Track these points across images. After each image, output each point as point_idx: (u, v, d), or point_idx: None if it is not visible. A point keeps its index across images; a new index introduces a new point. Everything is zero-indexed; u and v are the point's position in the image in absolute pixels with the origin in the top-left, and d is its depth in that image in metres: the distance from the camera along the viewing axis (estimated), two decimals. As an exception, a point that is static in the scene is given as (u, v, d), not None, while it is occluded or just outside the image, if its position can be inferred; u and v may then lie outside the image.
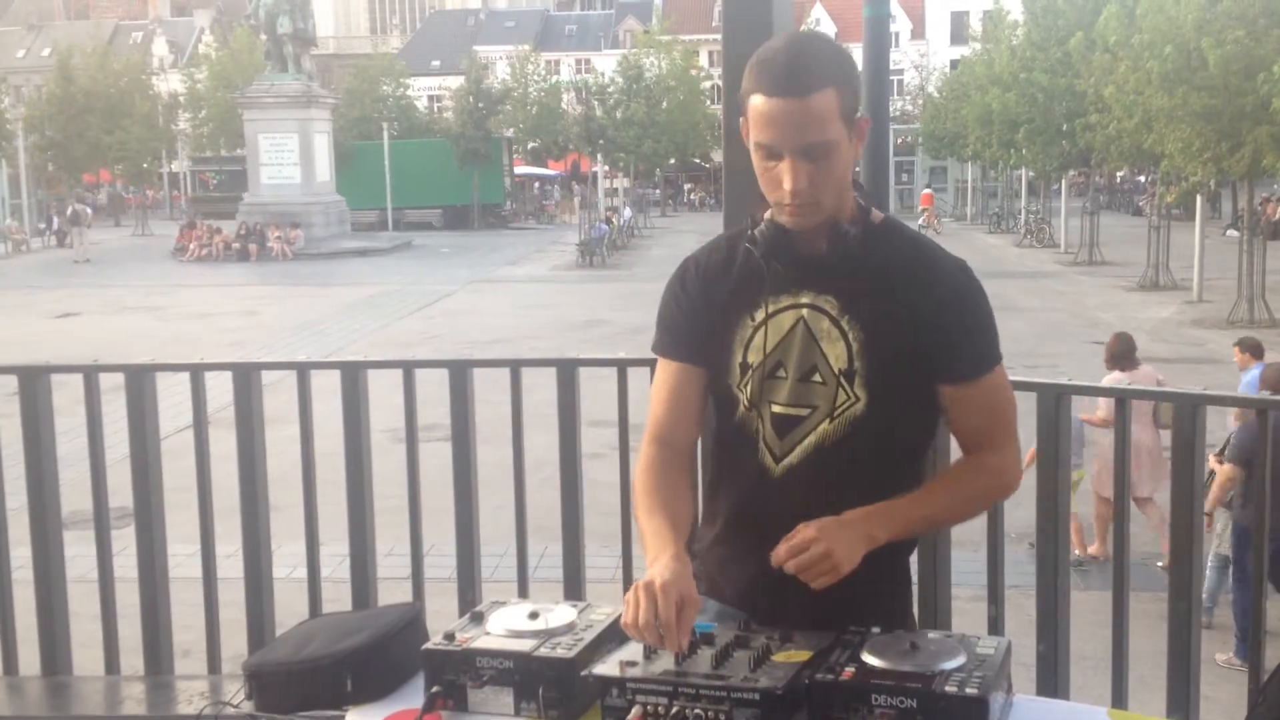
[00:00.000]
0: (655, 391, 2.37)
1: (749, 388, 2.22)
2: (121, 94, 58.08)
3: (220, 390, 4.13)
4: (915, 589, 3.04)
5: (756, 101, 2.07)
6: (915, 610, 2.56)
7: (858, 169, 2.31)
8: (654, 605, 1.95)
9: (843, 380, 2.15)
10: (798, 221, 2.14)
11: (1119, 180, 63.97)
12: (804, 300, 2.18)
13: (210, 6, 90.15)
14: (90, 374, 4.02)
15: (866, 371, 2.14)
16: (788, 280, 2.19)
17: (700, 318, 2.28)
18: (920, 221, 47.74)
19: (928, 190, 53.05)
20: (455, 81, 63.51)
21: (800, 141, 2.05)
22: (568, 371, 3.98)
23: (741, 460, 2.26)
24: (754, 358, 2.21)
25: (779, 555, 2.02)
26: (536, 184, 67.17)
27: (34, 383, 4.02)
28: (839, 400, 2.16)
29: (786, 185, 2.08)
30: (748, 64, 2.11)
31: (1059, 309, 23.57)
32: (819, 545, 1.99)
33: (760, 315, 2.20)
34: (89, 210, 46.05)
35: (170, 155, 65.34)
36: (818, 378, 2.17)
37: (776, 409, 2.20)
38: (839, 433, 2.17)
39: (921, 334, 2.13)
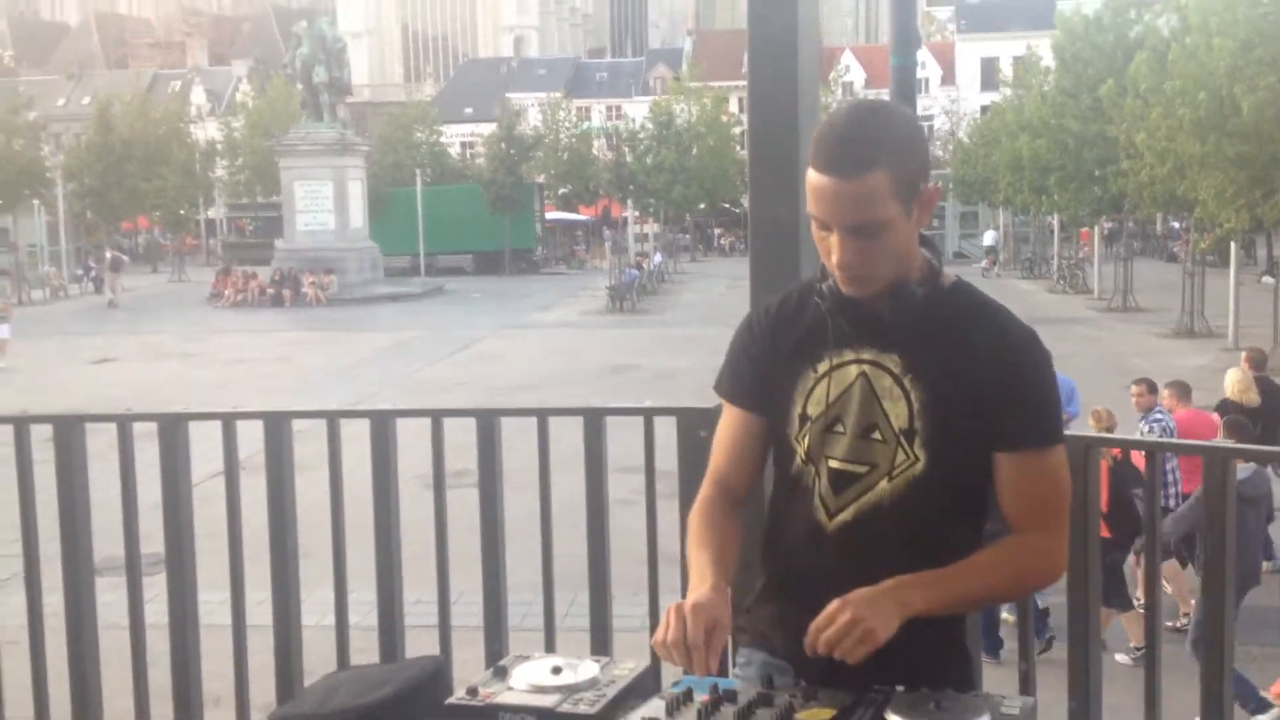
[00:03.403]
0: (718, 435, 2.39)
1: (806, 440, 2.22)
2: (160, 142, 58.96)
3: (252, 435, 4.16)
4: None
5: (811, 175, 2.08)
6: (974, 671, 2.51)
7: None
8: (684, 626, 1.99)
9: (903, 440, 2.15)
10: (851, 291, 2.15)
11: (1150, 226, 63.71)
12: (866, 356, 2.19)
13: (247, 56, 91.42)
14: (124, 423, 4.07)
15: (927, 432, 2.14)
16: (852, 335, 2.19)
17: (765, 366, 2.30)
18: (982, 265, 47.80)
19: (991, 234, 52.72)
20: (488, 128, 64.11)
21: (849, 220, 2.06)
22: (595, 421, 3.99)
23: (795, 514, 2.27)
24: (814, 410, 2.21)
25: (809, 641, 2.00)
26: (579, 232, 67.38)
27: (69, 432, 4.07)
28: (898, 460, 2.15)
29: (835, 259, 2.11)
30: (817, 129, 2.12)
31: (1092, 356, 23.38)
32: (845, 614, 1.97)
33: (823, 368, 2.21)
34: (125, 258, 46.66)
35: (207, 202, 66.12)
36: (877, 435, 2.17)
37: (834, 464, 2.20)
38: (896, 492, 2.16)
39: (983, 399, 2.12)
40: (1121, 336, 26.85)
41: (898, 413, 2.15)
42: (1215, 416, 9.80)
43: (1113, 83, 29.24)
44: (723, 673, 2.12)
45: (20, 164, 52.37)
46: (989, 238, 51.74)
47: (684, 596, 2.14)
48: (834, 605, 2.00)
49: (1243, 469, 6.47)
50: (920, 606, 2.05)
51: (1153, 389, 9.89)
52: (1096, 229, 40.16)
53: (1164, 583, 8.29)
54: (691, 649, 1.98)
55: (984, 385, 2.12)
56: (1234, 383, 10.46)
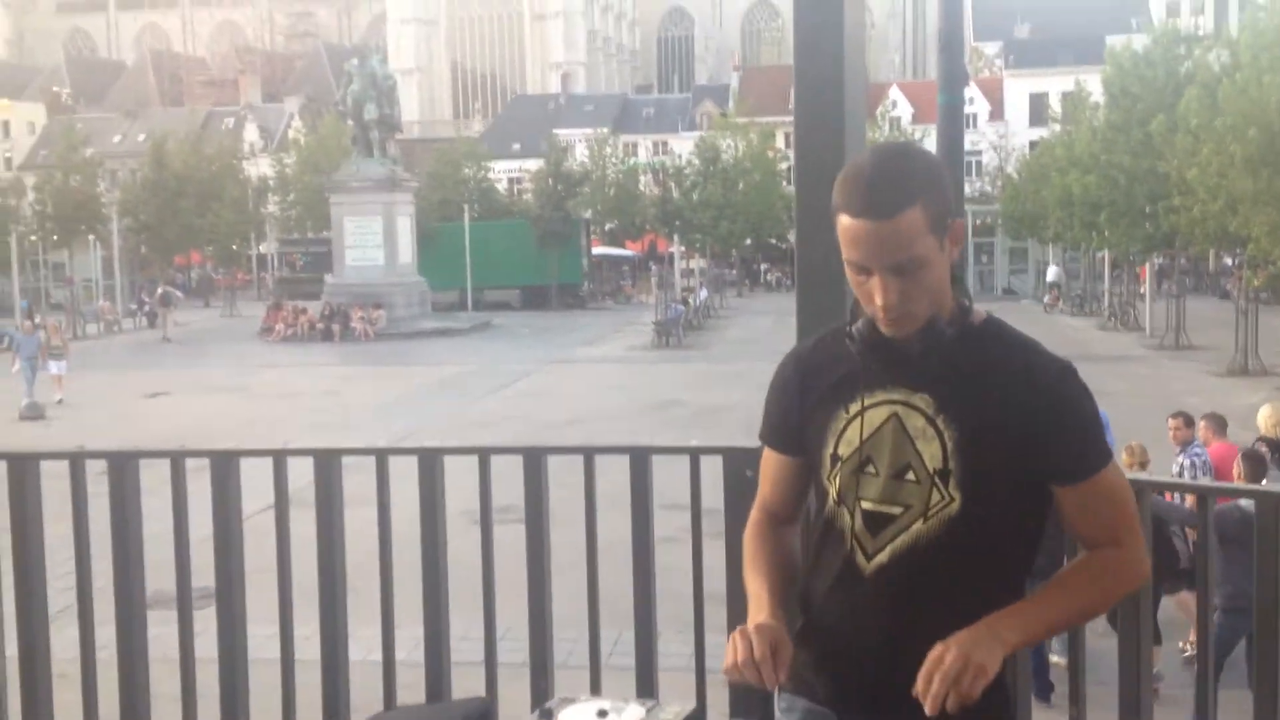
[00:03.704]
0: (762, 472, 2.47)
1: (838, 480, 2.23)
2: (213, 178, 59.86)
3: (302, 469, 4.21)
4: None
5: (845, 221, 2.10)
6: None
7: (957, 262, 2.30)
8: (749, 646, 2.11)
9: (937, 480, 2.15)
10: (893, 330, 2.17)
11: (1202, 263, 63.06)
12: (898, 397, 2.19)
13: (300, 93, 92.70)
14: (177, 459, 4.12)
15: (961, 472, 2.14)
16: (884, 376, 2.20)
17: (799, 409, 2.32)
18: (1045, 300, 47.44)
19: (1054, 270, 52.22)
20: (535, 164, 64.60)
21: (891, 260, 2.08)
22: (641, 459, 4.01)
23: (831, 556, 2.27)
24: (845, 450, 2.23)
25: (919, 690, 2.01)
26: (625, 267, 67.62)
27: (124, 467, 4.13)
28: (933, 500, 2.15)
29: (878, 301, 2.11)
30: (837, 178, 2.14)
31: (1144, 394, 23.11)
32: (951, 654, 1.99)
33: (854, 408, 2.22)
34: (178, 293, 47.32)
35: (259, 237, 66.95)
36: (911, 476, 2.17)
37: (867, 505, 2.21)
38: (932, 533, 2.16)
39: (1021, 437, 2.12)
40: (1174, 375, 26.52)
41: (931, 453, 2.15)
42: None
43: (1163, 118, 29.08)
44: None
45: (77, 200, 53.37)
46: (1052, 273, 51.24)
47: (731, 631, 2.20)
48: (937, 650, 2.01)
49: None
50: (1018, 638, 2.08)
51: (1189, 423, 9.80)
52: (1148, 265, 39.79)
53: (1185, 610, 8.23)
54: (760, 664, 2.09)
55: (1024, 422, 2.12)
56: (1265, 417, 10.35)
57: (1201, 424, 9.88)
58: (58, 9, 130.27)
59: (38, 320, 28.12)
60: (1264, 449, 9.16)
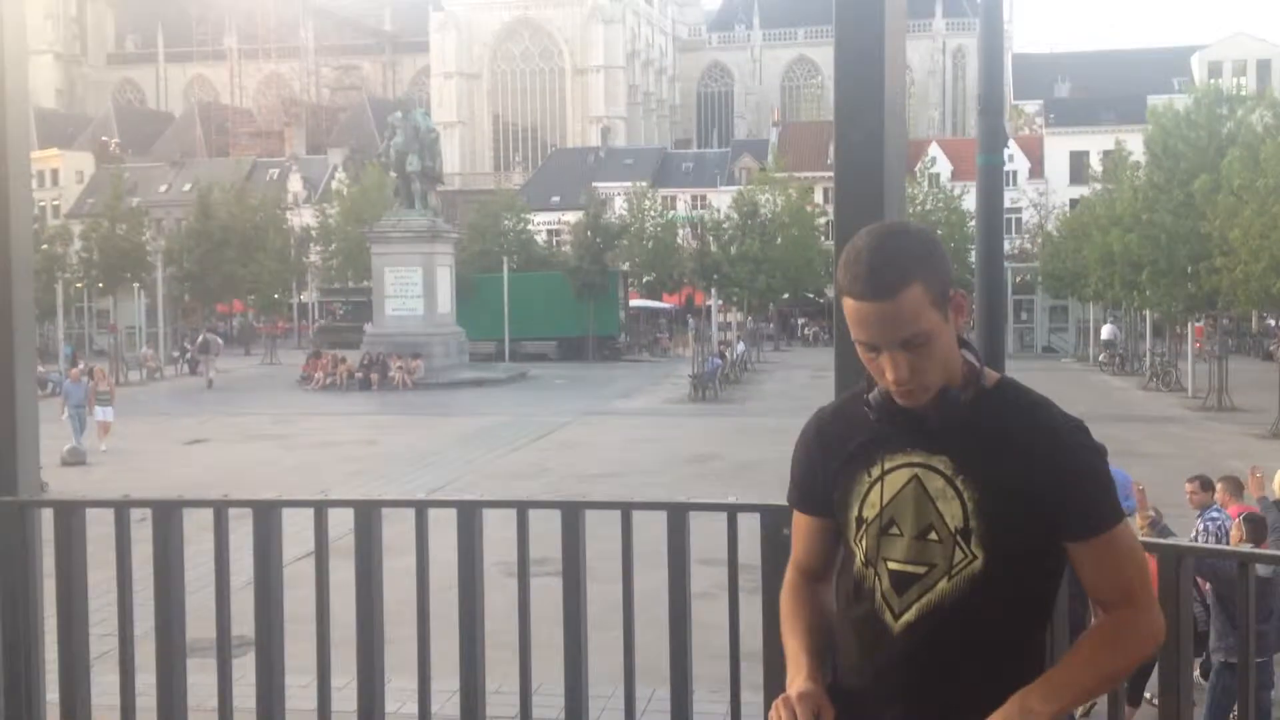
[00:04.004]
0: (794, 533, 2.53)
1: (864, 542, 2.30)
2: (257, 228, 60.58)
3: (342, 518, 4.25)
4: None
5: (849, 303, 2.18)
6: None
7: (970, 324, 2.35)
8: (793, 714, 2.17)
9: (959, 539, 2.20)
10: (908, 403, 2.23)
11: (1245, 323, 62.51)
12: (917, 460, 2.26)
13: (343, 145, 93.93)
14: (220, 508, 4.18)
15: (982, 530, 2.19)
16: (902, 439, 2.27)
17: (824, 473, 2.39)
18: (1101, 358, 46.75)
19: (1109, 328, 51.67)
20: (574, 216, 65.04)
21: (897, 336, 2.15)
22: (678, 516, 4.02)
23: (860, 616, 2.32)
24: (869, 513, 2.29)
25: None
26: (662, 319, 67.81)
27: (168, 516, 4.19)
28: (956, 559, 2.21)
29: (890, 376, 2.19)
30: (840, 259, 2.21)
31: (1187, 456, 22.83)
32: None
33: (876, 471, 2.29)
34: (219, 340, 47.75)
35: (300, 286, 67.61)
36: (934, 536, 2.23)
37: (894, 565, 2.26)
38: (957, 591, 2.21)
39: (1036, 494, 2.17)
40: (1217, 437, 26.21)
41: (952, 513, 2.21)
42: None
43: (1206, 178, 28.94)
44: None
45: (123, 248, 54.13)
46: (1106, 331, 50.65)
47: (768, 689, 2.25)
48: None
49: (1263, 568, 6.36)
50: (1048, 710, 2.11)
51: (1206, 486, 9.76)
52: (1203, 326, 39.38)
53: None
54: None
55: (1038, 480, 2.17)
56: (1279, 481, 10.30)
57: (1219, 486, 9.82)
58: (108, 61, 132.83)
59: (81, 366, 28.35)
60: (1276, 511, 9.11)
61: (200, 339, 44.97)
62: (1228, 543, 8.47)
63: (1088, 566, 2.23)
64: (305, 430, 28.05)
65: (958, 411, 2.22)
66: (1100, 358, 47.90)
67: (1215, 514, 9.42)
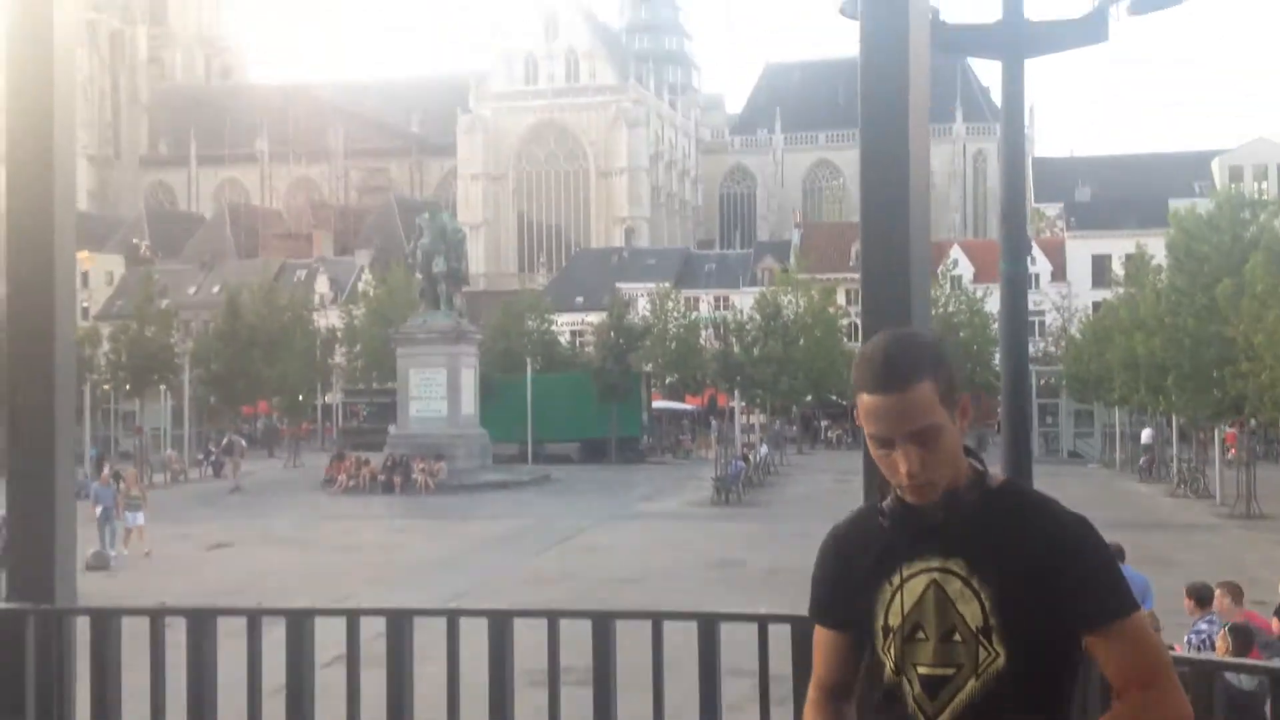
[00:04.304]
0: (816, 648, 2.57)
1: (893, 650, 2.37)
2: (283, 329, 61.04)
3: (373, 623, 4.25)
4: None
5: (864, 399, 2.33)
6: None
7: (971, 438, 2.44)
8: None
9: (981, 637, 2.31)
10: (918, 498, 2.34)
11: (1273, 429, 61.96)
12: (934, 565, 2.35)
13: (371, 246, 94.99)
14: (254, 617, 4.20)
15: (1002, 627, 2.29)
16: (918, 547, 2.37)
17: (846, 586, 2.47)
18: (1141, 462, 46.39)
19: (1148, 432, 51.25)
20: (597, 317, 65.43)
21: (907, 430, 2.29)
22: (709, 626, 4.02)
23: None
24: (894, 621, 2.38)
25: None
26: (685, 421, 67.78)
27: (202, 624, 4.21)
28: (981, 657, 2.30)
29: (902, 469, 2.31)
30: (856, 359, 2.37)
31: (1217, 565, 22.45)
32: None
33: (896, 580, 2.38)
34: (244, 442, 47.91)
35: (324, 388, 67.82)
36: (958, 637, 2.32)
37: (923, 670, 2.34)
38: (986, 688, 2.29)
39: (1050, 588, 2.28)
40: (1246, 545, 25.84)
41: (972, 612, 2.31)
42: (1276, 622, 9.52)
43: (1229, 282, 28.96)
44: None
45: (151, 350, 54.51)
46: (1146, 435, 50.20)
47: None
48: None
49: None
50: None
51: (1202, 600, 9.66)
52: (1218, 431, 39.08)
53: None
54: None
55: (1049, 575, 2.28)
56: None
57: (1218, 593, 9.75)
58: (141, 163, 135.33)
59: (106, 470, 28.35)
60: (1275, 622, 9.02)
61: (226, 441, 45.14)
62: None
63: (1106, 656, 2.30)
64: (328, 534, 28.02)
65: (965, 512, 2.33)
66: (1140, 461, 47.25)
67: (1203, 625, 9.36)
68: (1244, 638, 8.07)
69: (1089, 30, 4.15)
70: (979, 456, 2.42)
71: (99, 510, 23.79)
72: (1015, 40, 4.19)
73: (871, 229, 3.61)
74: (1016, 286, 5.00)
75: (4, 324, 3.97)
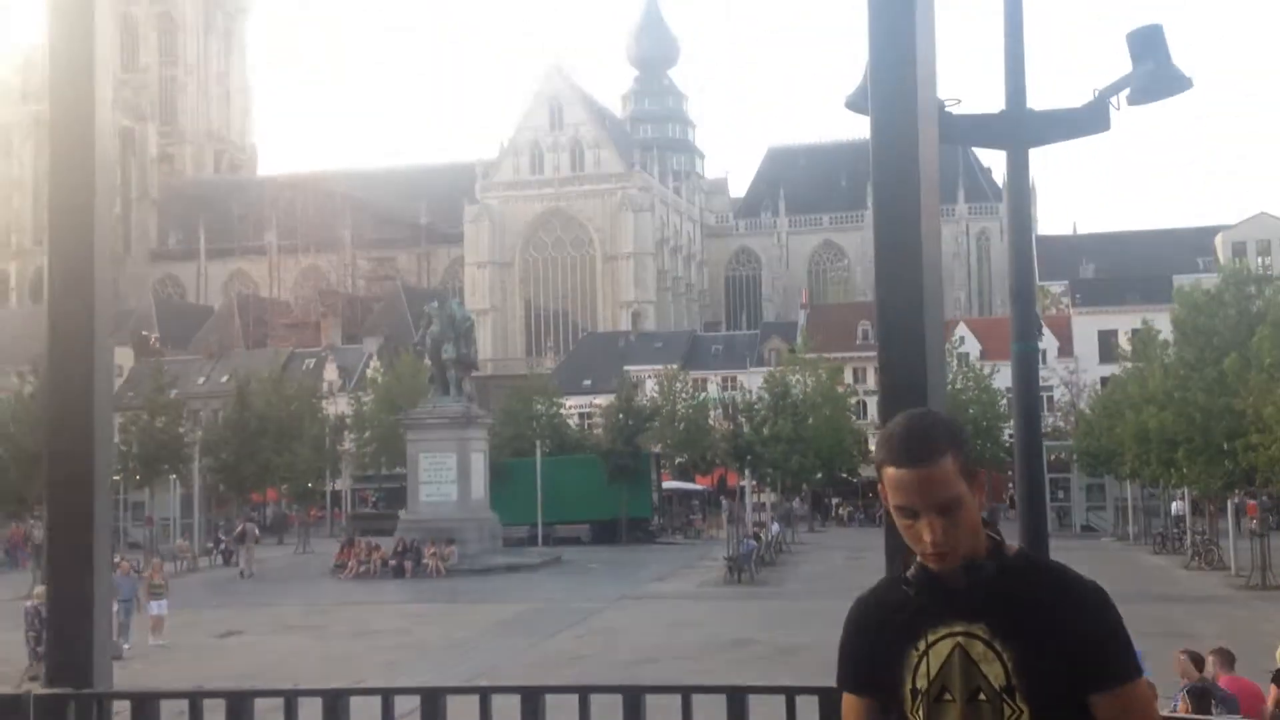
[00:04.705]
0: (845, 717, 2.67)
1: (921, 712, 2.50)
2: (292, 417, 61.19)
3: (406, 704, 4.32)
4: None
5: (890, 473, 2.49)
6: None
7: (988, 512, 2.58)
8: None
9: (1005, 696, 2.45)
10: (940, 566, 2.49)
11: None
12: (958, 629, 2.49)
13: (378, 333, 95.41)
14: (290, 698, 4.28)
15: (1024, 686, 2.43)
16: (942, 612, 2.51)
17: (873, 653, 2.59)
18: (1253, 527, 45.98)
19: (1178, 505, 50.78)
20: (606, 399, 65.58)
21: (931, 501, 2.45)
22: (737, 700, 4.09)
23: None
24: (921, 684, 2.51)
25: None
26: (695, 501, 67.61)
27: (240, 706, 4.29)
28: (1006, 715, 2.44)
29: (926, 538, 2.47)
30: (879, 437, 2.54)
31: (1233, 637, 22.32)
32: None
33: (922, 645, 2.52)
34: (256, 529, 47.86)
35: (333, 474, 67.80)
36: (983, 697, 2.46)
37: None
38: None
39: (1065, 651, 2.42)
40: (1262, 616, 25.66)
41: (995, 673, 2.44)
42: (1275, 689, 9.57)
43: (1237, 356, 29.07)
44: None
45: (161, 440, 54.70)
46: (1177, 508, 49.88)
47: None
48: None
49: None
50: None
51: (1196, 662, 9.76)
52: (1230, 503, 38.96)
53: None
54: None
55: (1066, 639, 2.42)
56: None
57: (1209, 659, 9.84)
58: (151, 257, 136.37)
59: (126, 559, 28.27)
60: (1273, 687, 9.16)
61: (239, 529, 45.12)
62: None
63: (1107, 716, 2.43)
64: (340, 620, 27.94)
65: (986, 579, 2.47)
66: (1175, 531, 46.67)
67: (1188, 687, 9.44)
68: (1202, 698, 8.27)
69: (1091, 120, 4.31)
70: (995, 527, 2.56)
71: (118, 601, 23.34)
72: (1019, 131, 4.35)
73: (888, 318, 3.67)
74: (1028, 364, 5.10)
75: (39, 413, 4.08)
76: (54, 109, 4.28)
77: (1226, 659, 9.98)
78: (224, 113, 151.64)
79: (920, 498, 2.44)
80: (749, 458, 58.08)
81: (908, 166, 2.95)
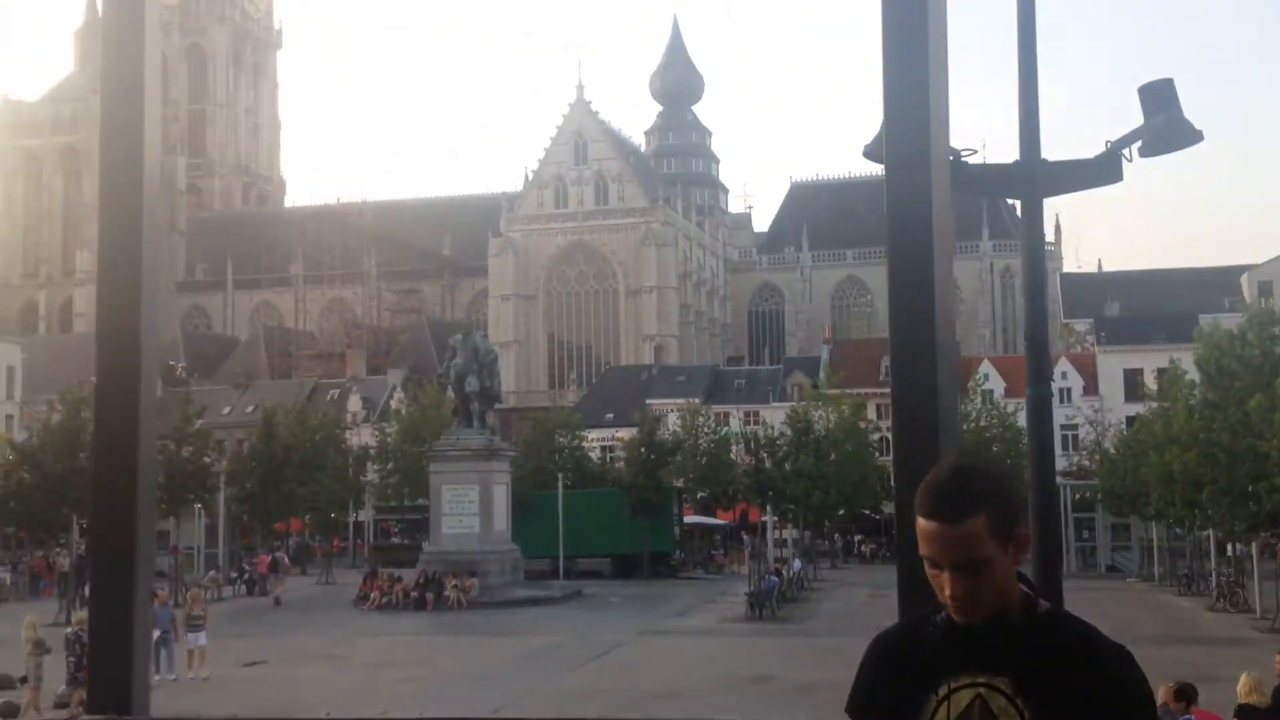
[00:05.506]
0: None
1: None
2: (317, 448, 61.47)
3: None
4: None
5: (921, 522, 2.48)
6: None
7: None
8: None
9: None
10: (963, 619, 2.49)
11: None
12: (980, 680, 2.48)
13: (403, 365, 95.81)
14: (322, 725, 4.38)
15: None
16: (965, 661, 2.50)
17: (889, 692, 2.58)
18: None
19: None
20: (628, 433, 65.61)
21: (955, 559, 2.44)
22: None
23: None
24: None
25: None
26: (717, 536, 67.44)
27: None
28: None
29: (947, 592, 2.47)
30: (922, 481, 2.50)
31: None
32: None
33: (943, 691, 2.51)
34: (286, 559, 48.19)
35: (357, 505, 68.00)
36: None
37: None
38: None
39: (1087, 711, 2.41)
40: (1287, 657, 25.45)
41: None
42: None
43: (1261, 397, 28.94)
44: None
45: (188, 470, 55.02)
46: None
47: None
48: None
49: None
50: None
51: (1179, 696, 10.18)
52: (1254, 545, 38.66)
53: None
54: None
55: (1090, 700, 2.41)
56: (1242, 684, 11.83)
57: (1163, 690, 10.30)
58: (178, 288, 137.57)
59: (163, 589, 28.05)
60: None
61: (270, 558, 45.47)
62: None
63: None
64: (362, 651, 28.01)
65: (1014, 634, 2.47)
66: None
67: None
68: None
69: (1103, 171, 4.40)
70: (1030, 583, 2.56)
71: (155, 632, 23.37)
72: (1033, 181, 4.45)
73: (899, 342, 3.71)
74: (1042, 409, 5.17)
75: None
76: (104, 141, 4.41)
77: (1187, 695, 10.47)
78: (252, 145, 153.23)
79: (944, 553, 2.43)
80: (771, 493, 57.96)
81: (921, 220, 3.04)
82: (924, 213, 3.06)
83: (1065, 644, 2.50)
